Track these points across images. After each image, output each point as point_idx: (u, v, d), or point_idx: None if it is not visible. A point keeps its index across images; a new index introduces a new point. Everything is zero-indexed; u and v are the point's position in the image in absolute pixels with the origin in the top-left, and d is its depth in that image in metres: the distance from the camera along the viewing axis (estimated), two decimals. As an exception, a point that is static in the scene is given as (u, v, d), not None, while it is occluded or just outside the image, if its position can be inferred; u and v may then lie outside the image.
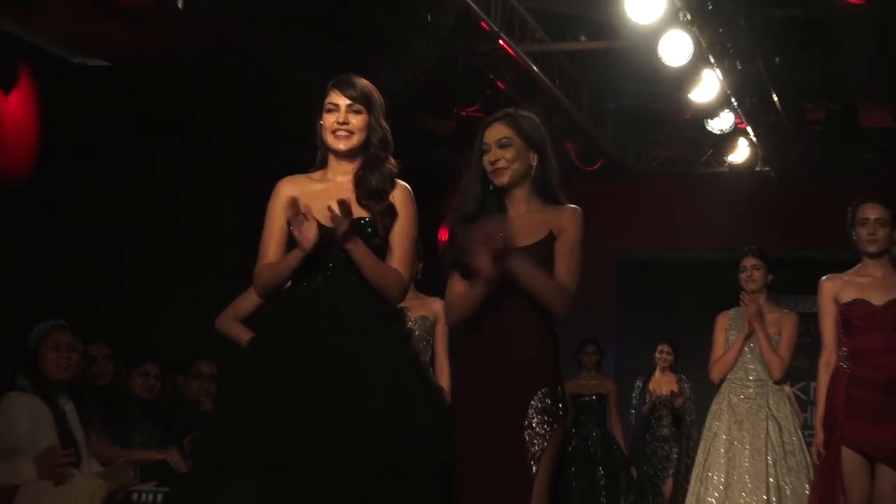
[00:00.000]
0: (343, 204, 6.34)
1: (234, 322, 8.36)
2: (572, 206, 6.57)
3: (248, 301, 8.06)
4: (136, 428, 9.50)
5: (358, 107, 6.69)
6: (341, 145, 6.72)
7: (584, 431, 15.01)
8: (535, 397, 6.37)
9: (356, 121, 6.70)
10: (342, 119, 6.68)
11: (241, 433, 6.55)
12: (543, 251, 6.45)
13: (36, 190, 11.28)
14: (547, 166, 6.62)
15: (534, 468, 6.31)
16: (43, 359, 8.62)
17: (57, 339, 8.66)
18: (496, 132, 6.53)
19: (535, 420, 6.34)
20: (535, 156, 6.57)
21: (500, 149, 6.50)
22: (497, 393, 6.41)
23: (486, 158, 6.52)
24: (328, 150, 6.78)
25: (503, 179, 6.53)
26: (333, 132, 6.70)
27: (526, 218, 6.55)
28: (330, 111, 6.72)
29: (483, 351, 6.49)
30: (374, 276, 6.53)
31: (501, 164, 6.50)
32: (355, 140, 6.71)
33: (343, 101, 6.69)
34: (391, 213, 6.72)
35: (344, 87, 6.72)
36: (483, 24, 12.48)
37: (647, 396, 15.65)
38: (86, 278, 11.32)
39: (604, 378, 15.79)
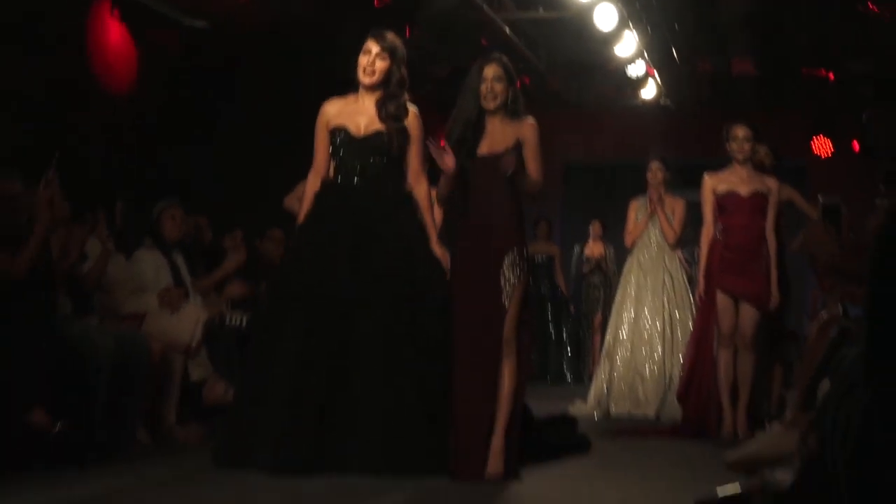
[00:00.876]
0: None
1: (296, 202, 8.29)
2: (530, 119, 6.62)
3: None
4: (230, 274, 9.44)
5: (384, 55, 6.72)
6: (366, 80, 6.77)
7: (538, 282, 15.03)
8: (509, 254, 6.40)
9: (381, 64, 6.75)
10: (371, 61, 6.73)
11: (298, 278, 6.63)
12: (515, 153, 6.44)
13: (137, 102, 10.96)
14: (518, 97, 6.62)
15: (506, 303, 6.34)
16: (162, 226, 8.58)
17: (172, 213, 8.62)
18: (492, 70, 6.53)
19: (508, 270, 6.38)
20: (512, 89, 6.57)
21: (495, 82, 6.51)
22: (482, 251, 6.44)
23: (483, 87, 6.50)
24: (359, 82, 6.77)
25: (495, 103, 6.54)
26: (364, 70, 6.74)
27: (500, 130, 6.55)
28: (365, 54, 6.76)
29: (474, 222, 6.50)
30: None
31: (494, 92, 6.51)
32: (377, 78, 6.76)
33: (375, 49, 6.75)
34: (404, 133, 6.79)
35: (377, 38, 6.79)
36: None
37: (584, 258, 15.74)
38: (192, 167, 11.16)
39: (552, 244, 15.87)
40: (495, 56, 6.66)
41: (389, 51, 6.76)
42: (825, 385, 4.70)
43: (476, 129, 6.55)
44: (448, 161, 6.35)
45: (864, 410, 2.10)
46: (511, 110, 6.57)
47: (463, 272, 6.48)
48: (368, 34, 6.81)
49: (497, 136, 6.53)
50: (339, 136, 6.80)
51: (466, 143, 6.50)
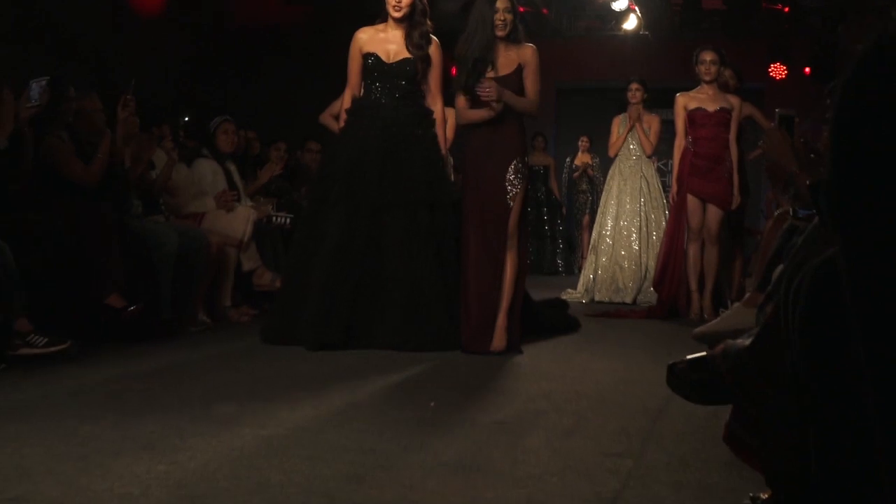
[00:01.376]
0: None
1: (330, 117, 8.27)
2: (530, 44, 6.57)
3: (340, 104, 7.94)
4: (273, 180, 9.43)
5: None
6: (396, 14, 6.71)
7: (535, 187, 15.01)
8: (512, 163, 6.40)
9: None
10: (397, -1, 6.65)
11: (335, 185, 6.61)
12: (516, 76, 6.46)
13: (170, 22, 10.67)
14: (518, 26, 6.56)
15: (511, 204, 6.35)
16: (217, 139, 8.55)
17: (226, 127, 8.59)
18: (503, 3, 6.43)
19: (512, 177, 6.38)
20: (515, 20, 6.51)
21: (506, 13, 6.44)
22: (490, 160, 6.44)
23: (497, 17, 6.43)
24: (389, 15, 6.72)
25: (504, 32, 6.47)
26: (393, 6, 6.68)
27: (504, 55, 6.49)
28: None
29: (484, 136, 6.47)
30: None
31: (506, 22, 6.44)
32: (403, 12, 6.69)
33: None
34: (427, 60, 6.73)
35: None
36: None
37: (574, 167, 15.74)
38: (241, 88, 11.07)
39: (547, 156, 15.82)
40: None
41: None
42: (779, 271, 4.73)
43: (491, 52, 6.50)
44: (494, 93, 6.29)
45: (813, 277, 2.12)
46: (513, 38, 6.51)
47: (474, 177, 6.47)
48: None
49: (502, 60, 6.48)
50: (371, 60, 6.77)
51: (484, 63, 6.43)
